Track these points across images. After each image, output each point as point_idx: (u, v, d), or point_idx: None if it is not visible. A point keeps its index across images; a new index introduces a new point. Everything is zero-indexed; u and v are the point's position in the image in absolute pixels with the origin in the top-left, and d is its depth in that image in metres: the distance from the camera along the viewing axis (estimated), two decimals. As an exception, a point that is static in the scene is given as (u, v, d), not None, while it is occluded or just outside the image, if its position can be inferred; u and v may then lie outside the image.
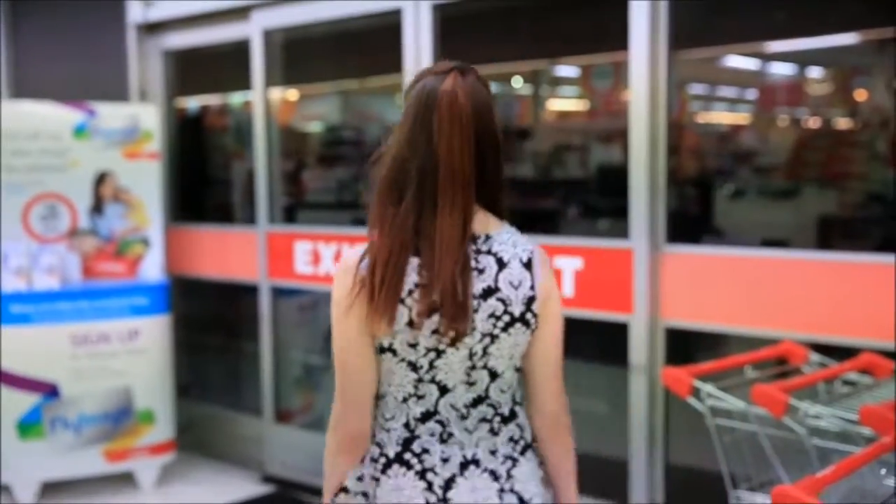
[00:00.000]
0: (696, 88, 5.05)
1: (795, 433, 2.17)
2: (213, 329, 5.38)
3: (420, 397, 1.60)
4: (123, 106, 4.65)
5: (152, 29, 4.92)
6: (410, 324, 1.54)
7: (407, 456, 1.60)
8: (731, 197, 4.87)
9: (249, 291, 4.64)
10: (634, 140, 3.23)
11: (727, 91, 5.28)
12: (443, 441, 1.60)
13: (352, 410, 1.63)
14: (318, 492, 4.12)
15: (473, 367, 1.59)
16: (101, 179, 4.47)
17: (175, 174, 4.99)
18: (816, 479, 1.81)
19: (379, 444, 1.63)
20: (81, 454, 4.26)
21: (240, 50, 4.55)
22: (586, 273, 3.39)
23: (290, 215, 4.79)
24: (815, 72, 4.19)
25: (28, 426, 4.17)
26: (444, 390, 1.60)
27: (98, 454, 4.29)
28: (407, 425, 1.61)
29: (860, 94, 3.44)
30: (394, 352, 1.58)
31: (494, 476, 1.61)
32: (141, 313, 4.35)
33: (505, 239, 1.61)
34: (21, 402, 4.15)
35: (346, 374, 1.62)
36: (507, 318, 1.57)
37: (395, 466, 1.60)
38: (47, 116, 4.39)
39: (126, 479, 4.39)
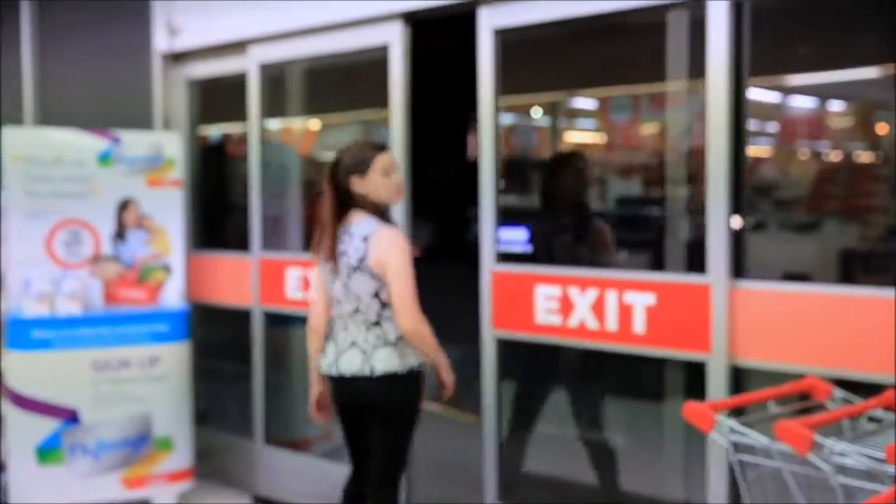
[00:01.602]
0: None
1: (820, 470, 2.14)
2: (230, 355, 5.39)
3: (336, 306, 3.10)
4: (147, 134, 4.70)
5: (177, 58, 4.99)
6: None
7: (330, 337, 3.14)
8: (751, 230, 4.85)
9: (267, 319, 4.66)
10: (712, 170, 3.11)
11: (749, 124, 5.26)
12: (343, 330, 3.08)
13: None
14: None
15: (348, 292, 3.01)
16: (124, 206, 4.51)
17: (195, 201, 5.04)
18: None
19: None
20: (100, 481, 4.26)
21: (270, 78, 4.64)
22: (659, 309, 3.26)
23: (309, 243, 4.81)
24: (836, 105, 4.19)
25: (47, 452, 4.18)
26: (339, 303, 3.07)
27: (116, 481, 4.30)
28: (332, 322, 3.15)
29: (882, 128, 3.43)
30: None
31: (363, 353, 3.01)
32: (161, 340, 4.38)
33: (361, 224, 3.01)
34: (41, 427, 4.17)
35: None
36: (350, 267, 2.99)
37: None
38: (72, 143, 4.45)
39: (143, 507, 4.40)
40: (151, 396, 4.35)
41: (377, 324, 3.02)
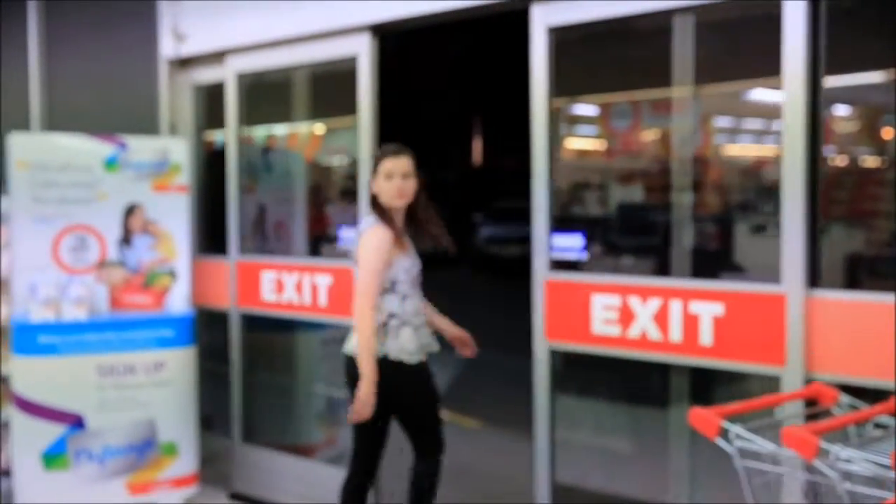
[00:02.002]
0: (721, 122, 5.04)
1: (826, 476, 2.13)
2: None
3: None
4: (153, 139, 4.72)
5: (183, 64, 5.01)
6: None
7: None
8: (752, 232, 4.83)
9: (266, 322, 4.68)
10: (788, 174, 2.99)
11: (753, 124, 5.25)
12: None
13: None
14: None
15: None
16: (130, 211, 4.52)
17: (198, 206, 5.07)
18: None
19: None
20: (105, 486, 4.27)
21: (263, 84, 4.66)
22: (728, 320, 3.13)
23: (314, 249, 4.84)
24: (841, 110, 4.17)
25: (53, 457, 4.19)
26: None
27: (121, 486, 4.30)
28: None
29: (887, 133, 3.40)
30: None
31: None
32: (167, 345, 4.38)
33: (363, 222, 3.33)
34: (47, 432, 4.18)
35: None
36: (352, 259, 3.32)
37: None
38: (78, 149, 4.46)
39: (148, 511, 4.40)
40: (157, 402, 4.36)
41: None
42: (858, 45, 3.20)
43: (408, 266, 3.25)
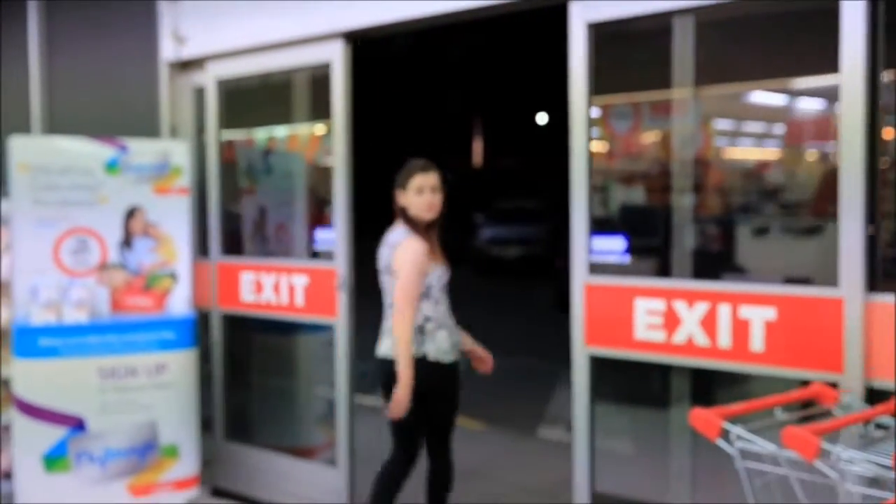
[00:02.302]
0: (722, 124, 5.02)
1: (827, 477, 2.13)
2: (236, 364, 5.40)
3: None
4: (154, 142, 4.72)
5: (184, 66, 5.01)
6: None
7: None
8: (754, 234, 4.83)
9: (274, 326, 4.68)
10: (846, 173, 2.91)
11: (754, 126, 5.25)
12: (385, 319, 3.53)
13: None
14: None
15: (384, 288, 3.52)
16: (131, 214, 4.53)
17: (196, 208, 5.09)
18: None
19: None
20: (106, 488, 4.27)
21: (263, 87, 4.69)
22: (781, 325, 3.05)
23: (314, 251, 4.84)
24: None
25: (54, 460, 4.19)
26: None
27: (122, 489, 4.30)
28: None
29: (888, 133, 3.39)
30: None
31: (391, 338, 3.42)
32: (168, 347, 4.38)
33: (394, 233, 3.50)
34: (48, 435, 4.18)
35: None
36: (382, 269, 3.51)
37: None
38: (79, 152, 4.46)
39: (150, 514, 4.40)
40: (158, 404, 4.36)
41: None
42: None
43: (440, 273, 3.48)
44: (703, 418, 2.43)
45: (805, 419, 2.48)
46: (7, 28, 5.98)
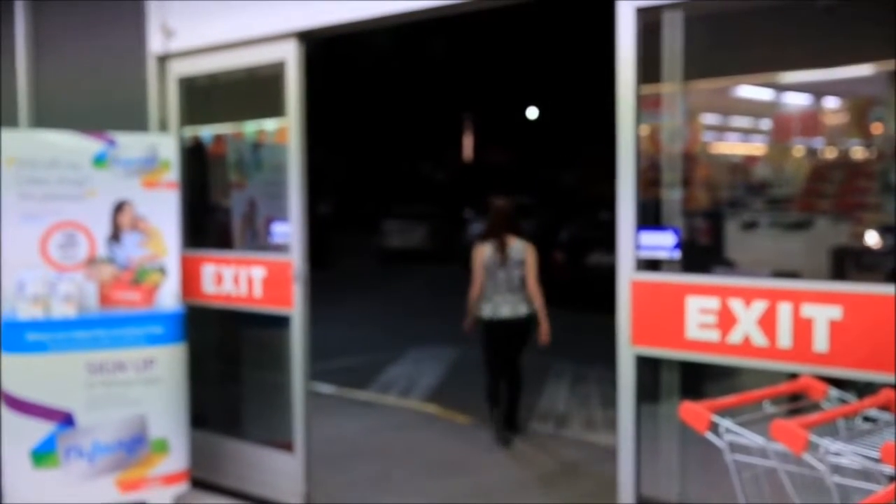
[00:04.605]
0: (709, 119, 5.03)
1: (815, 470, 2.14)
2: (223, 357, 5.41)
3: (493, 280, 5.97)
4: (142, 136, 4.69)
5: (172, 59, 4.99)
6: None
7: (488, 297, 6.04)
8: (742, 228, 4.85)
9: (267, 320, 4.68)
10: None
11: (741, 121, 5.26)
12: (499, 293, 5.94)
13: None
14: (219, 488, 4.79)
15: (509, 274, 5.91)
16: (119, 208, 4.51)
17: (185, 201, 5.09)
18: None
19: None
20: (94, 484, 4.25)
21: (249, 80, 4.73)
22: (847, 324, 2.93)
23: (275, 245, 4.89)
24: (831, 102, 4.18)
25: (42, 455, 4.17)
26: (498, 278, 5.93)
27: (111, 484, 4.29)
28: None
29: (876, 127, 3.40)
30: None
31: (517, 303, 5.92)
32: (156, 342, 4.36)
33: (516, 243, 5.94)
34: (36, 430, 4.16)
35: None
36: (514, 261, 5.91)
37: None
38: (67, 146, 4.44)
39: (139, 509, 4.39)
40: (147, 399, 4.34)
41: (520, 289, 5.90)
42: None
43: None
44: (693, 411, 2.44)
45: (793, 412, 2.49)
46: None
